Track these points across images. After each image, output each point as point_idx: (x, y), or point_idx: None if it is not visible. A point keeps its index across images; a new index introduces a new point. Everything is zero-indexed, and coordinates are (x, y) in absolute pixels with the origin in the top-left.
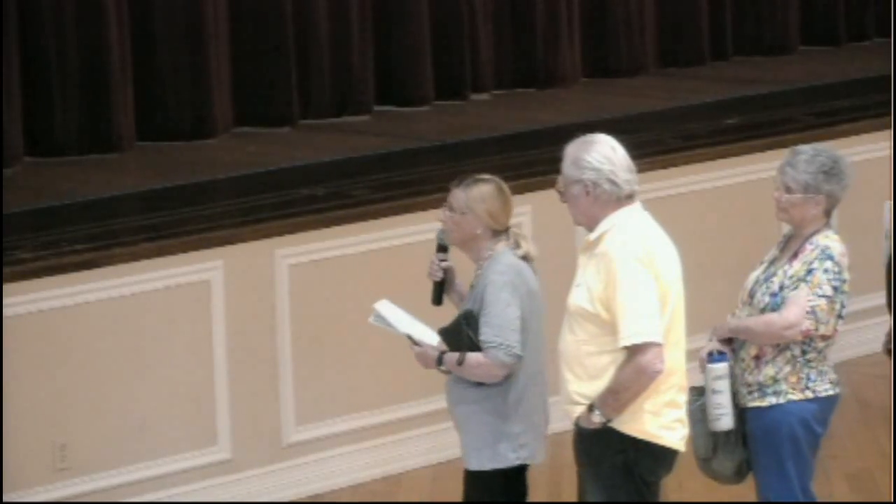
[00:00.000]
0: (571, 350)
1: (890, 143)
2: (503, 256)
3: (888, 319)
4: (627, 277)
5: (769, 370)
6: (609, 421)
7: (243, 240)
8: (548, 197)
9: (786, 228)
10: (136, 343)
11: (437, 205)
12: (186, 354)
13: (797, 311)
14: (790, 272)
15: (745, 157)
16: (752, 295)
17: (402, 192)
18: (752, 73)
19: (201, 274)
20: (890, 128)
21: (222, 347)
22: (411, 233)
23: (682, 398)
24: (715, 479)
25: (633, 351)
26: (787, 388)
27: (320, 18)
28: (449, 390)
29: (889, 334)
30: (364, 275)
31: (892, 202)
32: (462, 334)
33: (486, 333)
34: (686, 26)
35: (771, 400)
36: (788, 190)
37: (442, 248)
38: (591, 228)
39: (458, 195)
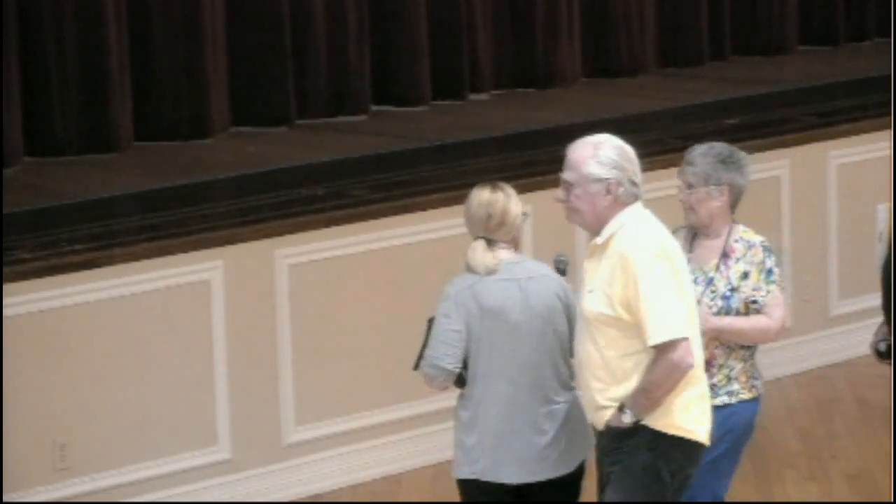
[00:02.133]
0: (594, 358)
1: (890, 143)
2: (506, 265)
3: (880, 321)
4: (648, 275)
5: (722, 372)
6: (640, 420)
7: (243, 240)
8: (548, 197)
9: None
10: (136, 343)
11: (436, 205)
12: (186, 354)
13: (781, 312)
14: (732, 274)
15: None
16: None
17: (401, 192)
18: (752, 73)
19: (201, 274)
20: (890, 128)
21: (222, 347)
22: (410, 233)
23: (707, 391)
24: None
25: (663, 348)
26: (739, 387)
27: (317, 18)
28: None
29: (877, 335)
30: (364, 275)
31: (893, 203)
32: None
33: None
34: (686, 26)
35: (724, 399)
36: (690, 187)
37: (560, 272)
38: (595, 231)
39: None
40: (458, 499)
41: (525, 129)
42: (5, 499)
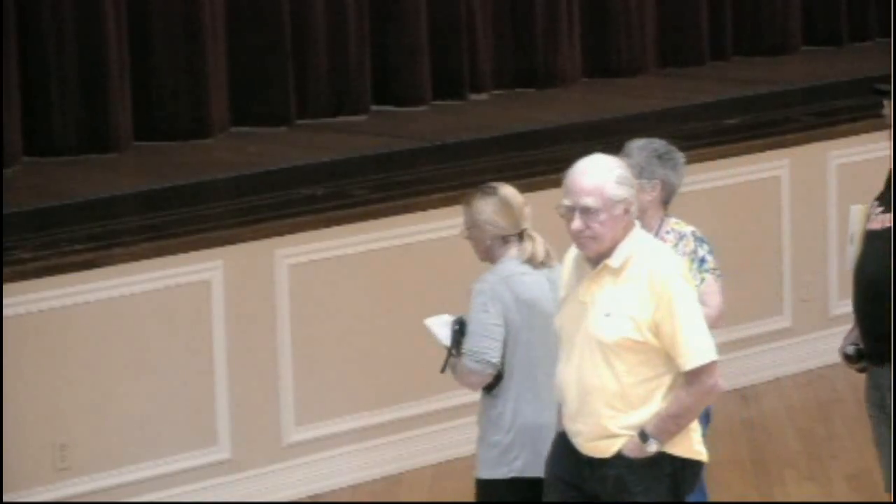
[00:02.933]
0: (610, 385)
1: (890, 143)
2: (500, 265)
3: (850, 326)
4: (682, 297)
5: None
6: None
7: (243, 240)
8: (547, 197)
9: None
10: (136, 343)
11: (436, 205)
12: (186, 354)
13: (719, 299)
14: None
15: (745, 157)
16: None
17: (402, 192)
18: (753, 74)
19: (201, 274)
20: (890, 128)
21: (222, 347)
22: (411, 233)
23: None
24: None
25: (698, 372)
26: None
27: (318, 18)
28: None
29: (847, 339)
30: (364, 275)
31: (893, 204)
32: (454, 340)
33: (465, 342)
34: (686, 26)
35: None
36: None
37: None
38: (602, 254)
39: (465, 212)
40: (457, 498)
41: (525, 129)
42: (5, 499)
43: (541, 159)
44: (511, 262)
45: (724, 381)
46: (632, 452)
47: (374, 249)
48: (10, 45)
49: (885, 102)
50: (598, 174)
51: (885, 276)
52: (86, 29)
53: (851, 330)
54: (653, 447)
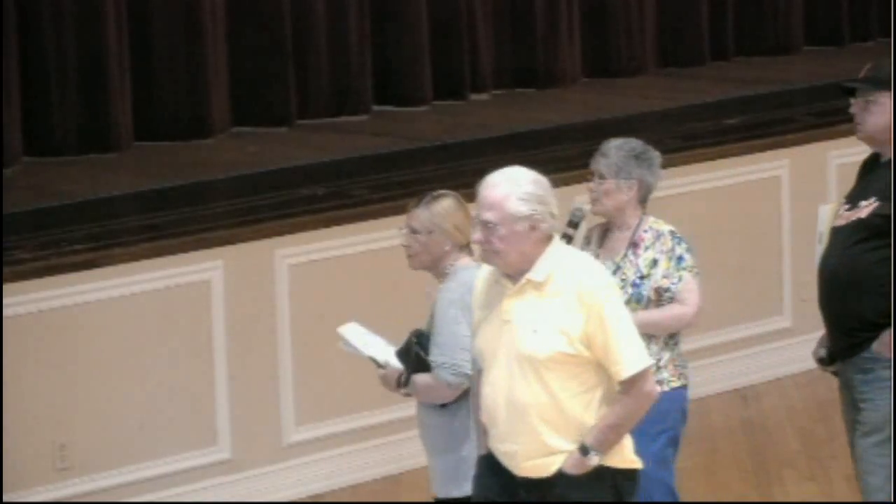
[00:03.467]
0: (543, 402)
1: (890, 143)
2: (461, 272)
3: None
4: (611, 307)
5: None
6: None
7: (243, 240)
8: None
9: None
10: (136, 343)
11: None
12: (186, 354)
13: (696, 297)
14: (641, 262)
15: (745, 157)
16: None
17: (402, 192)
18: (754, 74)
19: (201, 274)
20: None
21: (222, 347)
22: None
23: None
24: None
25: (635, 380)
26: (668, 375)
27: (318, 18)
28: (417, 413)
29: (820, 342)
30: (364, 275)
31: (894, 203)
32: (413, 355)
33: (434, 353)
34: (686, 26)
35: None
36: (601, 177)
37: (573, 224)
38: (517, 270)
39: (421, 215)
40: None
41: (525, 129)
42: (5, 499)
43: (541, 159)
44: (469, 269)
45: (656, 387)
46: (573, 468)
47: (374, 249)
48: (11, 44)
49: (853, 101)
50: (502, 189)
51: (845, 270)
52: (86, 29)
53: (825, 333)
54: (594, 460)
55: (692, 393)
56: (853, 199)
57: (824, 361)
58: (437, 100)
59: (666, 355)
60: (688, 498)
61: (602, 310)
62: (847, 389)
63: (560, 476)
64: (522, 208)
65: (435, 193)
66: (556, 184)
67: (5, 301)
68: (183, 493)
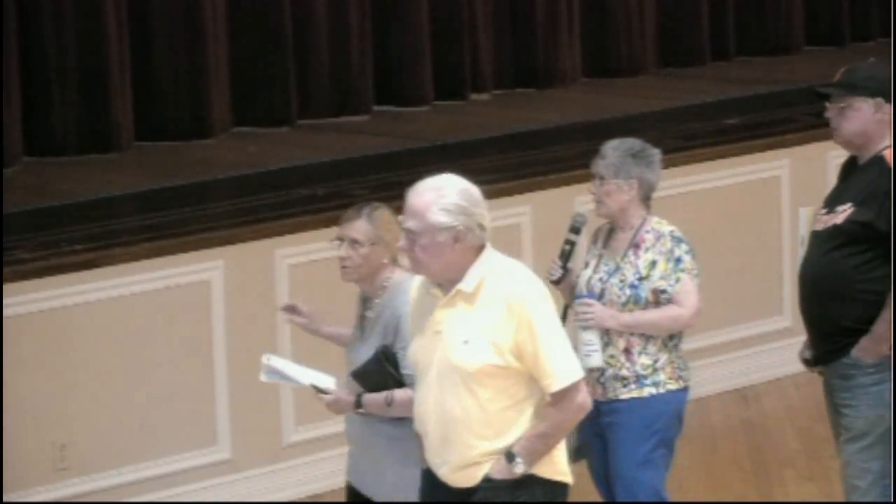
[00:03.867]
0: (475, 414)
1: (890, 143)
2: (404, 283)
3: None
4: (542, 318)
5: (644, 360)
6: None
7: (243, 240)
8: (547, 197)
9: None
10: (136, 343)
11: None
12: (186, 354)
13: (695, 299)
14: (641, 263)
15: (745, 157)
16: (602, 291)
17: (402, 192)
18: (754, 74)
19: (201, 274)
20: (890, 127)
21: (222, 347)
22: None
23: None
24: None
25: (567, 391)
26: (665, 378)
27: (319, 18)
28: (358, 429)
29: (805, 343)
30: None
31: (894, 203)
32: (383, 373)
33: (409, 367)
34: (686, 26)
35: (651, 391)
36: (601, 179)
37: (575, 231)
38: (445, 280)
39: (362, 226)
40: None
41: (525, 129)
42: (5, 499)
43: (541, 159)
44: (408, 279)
45: (588, 399)
46: (499, 474)
47: None
48: (11, 44)
49: (829, 105)
50: (427, 197)
51: (823, 277)
52: (87, 28)
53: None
54: (520, 468)
55: (692, 393)
56: (831, 203)
57: (809, 363)
58: (437, 100)
59: (664, 357)
60: (688, 498)
61: (532, 320)
62: (829, 394)
63: (486, 481)
64: (444, 219)
65: (371, 204)
66: (556, 184)
67: (5, 301)
68: (183, 493)
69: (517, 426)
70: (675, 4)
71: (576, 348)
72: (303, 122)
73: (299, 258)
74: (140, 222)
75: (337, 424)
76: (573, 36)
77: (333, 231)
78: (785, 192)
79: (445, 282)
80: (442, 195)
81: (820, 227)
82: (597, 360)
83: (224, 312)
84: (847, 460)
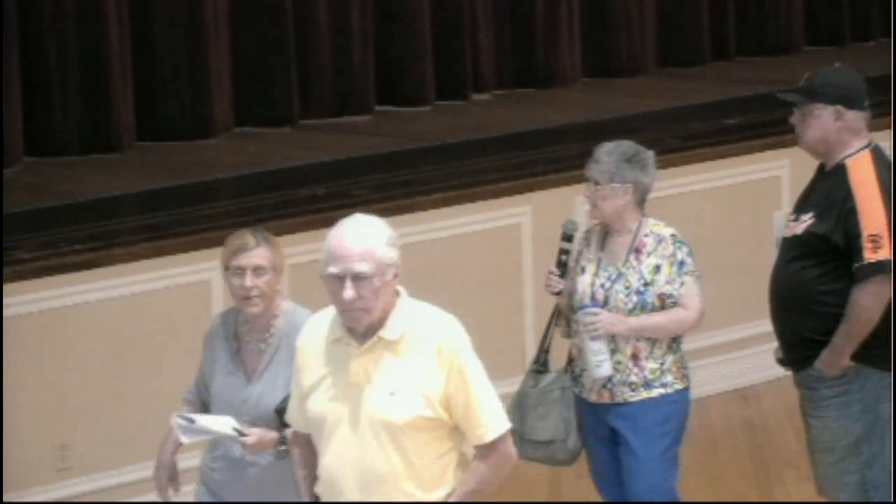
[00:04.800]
0: (401, 469)
1: (890, 143)
2: (299, 313)
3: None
4: (472, 367)
5: (652, 364)
6: None
7: None
8: (547, 197)
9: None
10: (136, 343)
11: (436, 205)
12: (186, 354)
13: (699, 301)
14: (644, 269)
15: (745, 157)
16: (606, 299)
17: (402, 192)
18: (754, 73)
19: (201, 274)
20: (890, 128)
21: None
22: (411, 233)
23: None
24: (552, 462)
25: (497, 442)
26: (672, 378)
27: (321, 18)
28: (260, 470)
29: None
30: None
31: (894, 202)
32: None
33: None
34: (686, 26)
35: (659, 391)
36: (596, 184)
37: (568, 238)
38: (371, 327)
39: (264, 252)
40: None
41: (525, 129)
42: (5, 499)
43: (541, 159)
44: (302, 311)
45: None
46: None
47: None
48: (12, 44)
49: (795, 111)
50: (368, 237)
51: (785, 287)
52: (87, 28)
53: None
54: None
55: (692, 393)
56: (798, 210)
57: (783, 362)
58: (439, 100)
59: (669, 358)
60: (688, 498)
61: (463, 369)
62: (800, 404)
63: None
64: (391, 254)
65: (258, 229)
66: (556, 184)
67: (5, 301)
68: (183, 493)
69: (443, 480)
70: (675, 4)
71: (579, 357)
72: (304, 123)
73: (299, 258)
74: (140, 222)
75: None
76: (573, 36)
77: None
78: (785, 192)
79: (366, 329)
80: (379, 230)
81: (787, 233)
82: (607, 369)
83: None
84: (824, 475)
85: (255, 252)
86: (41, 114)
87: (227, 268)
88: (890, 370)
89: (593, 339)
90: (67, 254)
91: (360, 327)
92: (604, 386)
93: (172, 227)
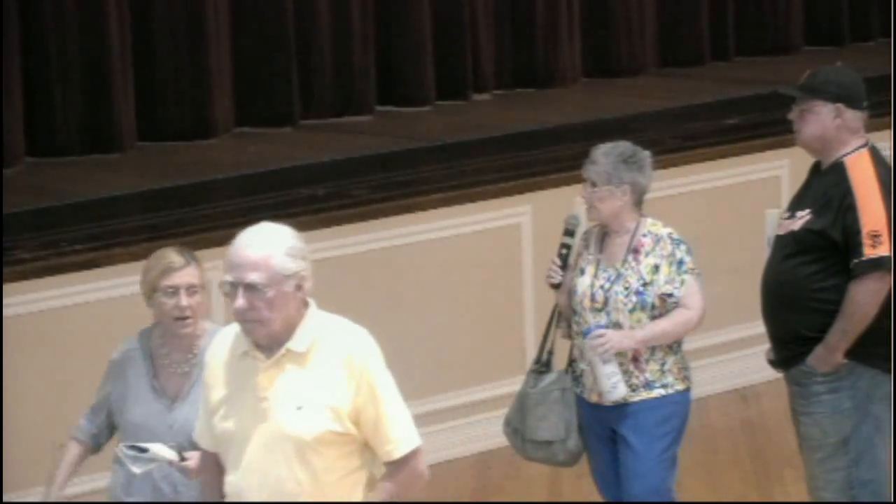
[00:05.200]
0: (308, 487)
1: (890, 143)
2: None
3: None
4: (383, 380)
5: (653, 366)
6: None
7: None
8: (548, 197)
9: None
10: None
11: (436, 205)
12: None
13: (700, 300)
14: (643, 269)
15: (745, 157)
16: (605, 300)
17: (402, 192)
18: (754, 74)
19: None
20: (890, 128)
21: None
22: (411, 233)
23: None
24: (552, 463)
25: (407, 458)
26: (673, 379)
27: (322, 18)
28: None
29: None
30: (364, 275)
31: (894, 202)
32: None
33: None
34: (686, 26)
35: (660, 391)
36: (593, 185)
37: (570, 233)
38: (275, 339)
39: (195, 271)
40: (457, 498)
41: (525, 129)
42: (5, 499)
43: (541, 159)
44: (223, 328)
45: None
46: None
47: (374, 249)
48: (13, 44)
49: (794, 107)
50: (265, 245)
51: (778, 284)
52: (88, 28)
53: None
54: None
55: (692, 393)
56: (793, 208)
57: (775, 364)
58: (439, 100)
59: (670, 359)
60: (688, 498)
61: (373, 383)
62: (790, 401)
63: None
64: (291, 265)
65: (182, 248)
66: (556, 184)
67: (5, 301)
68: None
69: (352, 499)
70: (675, 4)
71: (581, 359)
72: (305, 123)
73: None
74: (140, 222)
75: None
76: (573, 36)
77: (333, 231)
78: (785, 192)
79: (270, 342)
80: (280, 240)
81: (782, 231)
82: (622, 390)
83: (224, 313)
84: (811, 472)
85: (187, 270)
86: (42, 114)
87: (155, 289)
88: (883, 369)
89: (605, 361)
90: (68, 254)
91: (257, 339)
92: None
93: (173, 228)
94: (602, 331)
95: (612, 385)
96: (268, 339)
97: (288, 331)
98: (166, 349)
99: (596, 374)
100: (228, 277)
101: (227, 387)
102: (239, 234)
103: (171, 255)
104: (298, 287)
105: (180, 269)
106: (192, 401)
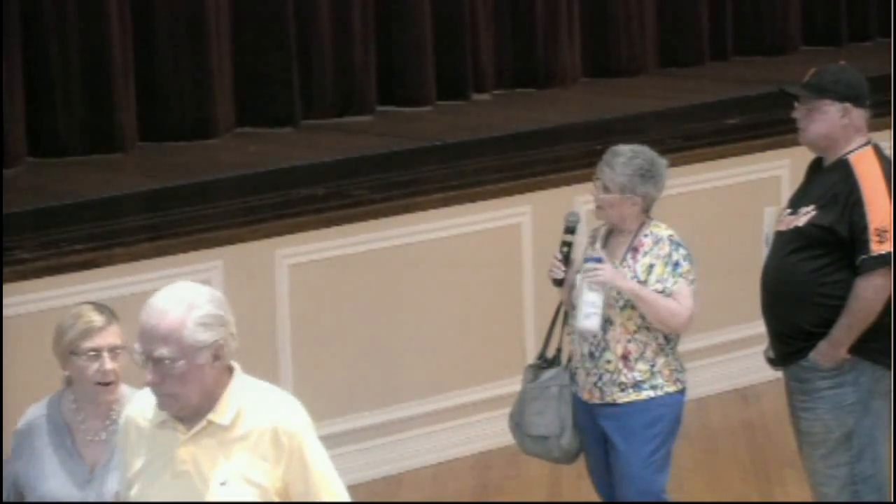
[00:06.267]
0: None
1: (890, 143)
2: (138, 397)
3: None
4: (316, 452)
5: (641, 366)
6: None
7: (243, 240)
8: (548, 197)
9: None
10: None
11: (436, 205)
12: None
13: (690, 303)
14: (638, 267)
15: (745, 157)
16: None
17: (402, 192)
18: (753, 73)
19: (201, 274)
20: (890, 128)
21: None
22: (411, 233)
23: None
24: (549, 459)
25: None
26: (663, 381)
27: (322, 18)
28: None
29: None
30: (364, 275)
31: (894, 202)
32: None
33: None
34: (686, 26)
35: (648, 393)
36: (606, 190)
37: (570, 230)
38: (195, 413)
39: (118, 330)
40: (457, 498)
41: (526, 129)
42: (5, 499)
43: (541, 159)
44: (139, 392)
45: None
46: None
47: (374, 249)
48: (14, 44)
49: (798, 105)
50: (175, 314)
51: (782, 279)
52: (89, 29)
53: None
54: None
55: (692, 393)
56: (794, 204)
57: (773, 362)
58: (440, 100)
59: (660, 360)
60: (688, 498)
61: (304, 456)
62: (789, 398)
63: None
64: (203, 336)
65: (101, 304)
66: (556, 184)
67: (5, 301)
68: None
69: None
70: (675, 4)
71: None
72: (306, 123)
73: (299, 258)
74: (140, 222)
75: (337, 424)
76: (573, 36)
77: (333, 231)
78: (785, 192)
79: (189, 413)
80: (193, 307)
81: (783, 227)
82: (595, 323)
83: None
84: (812, 468)
85: (110, 330)
86: (43, 114)
87: (73, 352)
88: (885, 365)
89: (591, 289)
90: (68, 254)
91: (173, 412)
92: (595, 384)
93: (174, 228)
94: (601, 262)
95: (587, 314)
96: (185, 412)
97: (209, 402)
98: (81, 415)
99: (578, 301)
100: (137, 347)
101: (144, 457)
102: (152, 295)
103: (90, 315)
104: (216, 357)
105: (102, 329)
106: (114, 469)
